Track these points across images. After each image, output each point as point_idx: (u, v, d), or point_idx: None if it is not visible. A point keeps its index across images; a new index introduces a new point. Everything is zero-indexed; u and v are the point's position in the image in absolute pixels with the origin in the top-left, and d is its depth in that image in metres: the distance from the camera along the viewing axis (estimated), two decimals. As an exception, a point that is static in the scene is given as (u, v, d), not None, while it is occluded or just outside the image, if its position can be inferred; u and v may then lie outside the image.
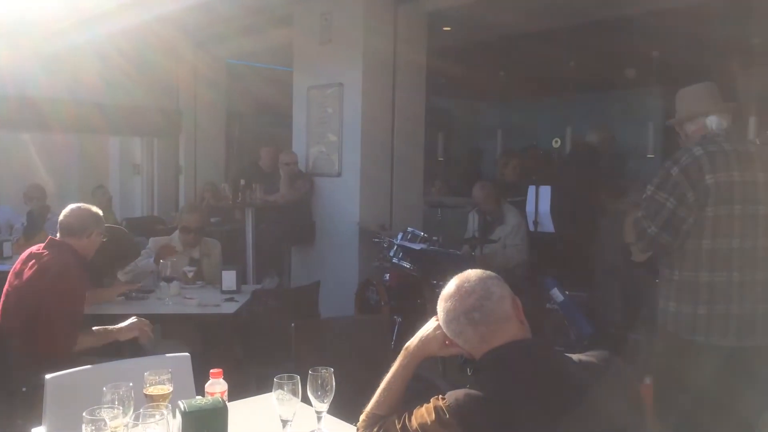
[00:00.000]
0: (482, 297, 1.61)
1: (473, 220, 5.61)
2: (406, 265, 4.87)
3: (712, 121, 2.76)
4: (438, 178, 8.73)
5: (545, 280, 3.88)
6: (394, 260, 4.96)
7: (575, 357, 1.61)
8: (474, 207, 5.69)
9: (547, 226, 4.84)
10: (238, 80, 8.55)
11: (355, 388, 1.83)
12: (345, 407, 1.93)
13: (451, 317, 1.63)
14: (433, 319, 1.74)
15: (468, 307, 1.61)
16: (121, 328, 3.01)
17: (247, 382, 3.40)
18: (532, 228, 5.02)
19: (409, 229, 4.99)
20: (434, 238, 4.84)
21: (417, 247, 4.45)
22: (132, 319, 3.04)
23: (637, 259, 4.32)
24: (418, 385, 2.65)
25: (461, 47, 7.02)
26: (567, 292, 4.95)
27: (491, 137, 8.92)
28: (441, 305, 1.67)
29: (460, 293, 1.63)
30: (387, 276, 5.14)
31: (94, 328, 3.01)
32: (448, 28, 6.48)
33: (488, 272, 1.69)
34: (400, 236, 4.99)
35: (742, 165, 2.61)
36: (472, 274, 1.68)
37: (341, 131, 5.74)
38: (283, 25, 6.40)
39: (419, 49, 5.95)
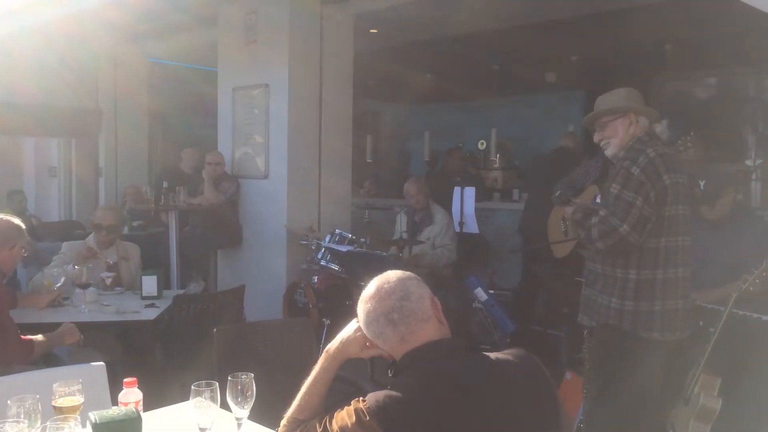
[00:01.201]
0: (402, 298, 1.62)
1: (401, 221, 5.65)
2: (334, 267, 4.86)
3: (646, 123, 2.87)
4: (367, 179, 8.75)
5: (469, 280, 3.95)
6: (322, 262, 4.94)
7: (492, 355, 1.63)
8: (403, 207, 5.73)
9: (472, 226, 4.92)
10: (162, 80, 8.31)
11: (281, 393, 1.80)
12: (270, 412, 1.90)
13: (371, 318, 1.63)
14: (354, 320, 1.73)
15: (387, 308, 1.61)
16: (62, 334, 2.94)
17: (169, 390, 3.31)
18: (457, 229, 5.09)
19: (337, 231, 4.98)
20: (362, 239, 4.84)
21: (343, 248, 4.44)
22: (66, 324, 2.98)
23: (558, 255, 4.45)
24: (345, 387, 2.65)
25: (388, 49, 7.07)
26: (492, 291, 5.06)
27: (419, 139, 9.01)
28: (361, 307, 1.67)
29: (380, 294, 1.64)
30: (315, 278, 5.11)
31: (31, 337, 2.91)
32: (375, 30, 6.50)
33: (408, 273, 1.70)
34: (328, 238, 4.97)
35: (679, 167, 2.76)
36: (391, 275, 1.68)
37: (268, 133, 5.67)
38: (208, 24, 6.27)
39: (346, 50, 5.94)
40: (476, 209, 6.74)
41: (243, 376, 1.80)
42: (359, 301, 1.69)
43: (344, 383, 2.82)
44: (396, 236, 5.52)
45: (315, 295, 4.91)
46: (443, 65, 7.88)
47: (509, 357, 1.65)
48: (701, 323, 3.10)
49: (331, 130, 5.81)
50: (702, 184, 3.55)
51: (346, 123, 6.03)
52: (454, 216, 5.15)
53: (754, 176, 5.41)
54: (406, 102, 10.86)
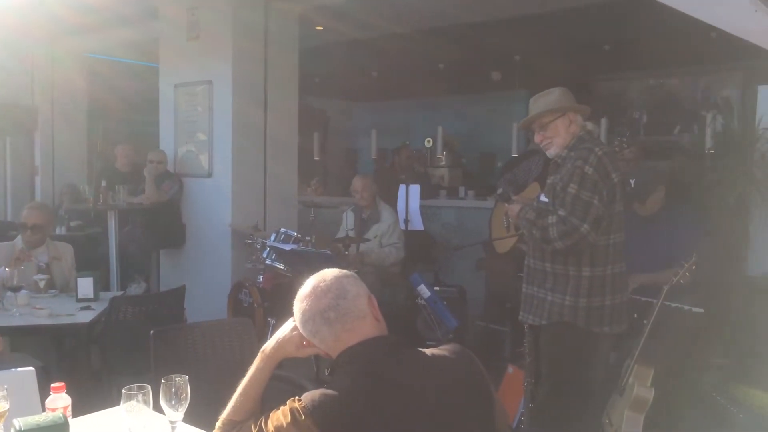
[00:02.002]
0: (337, 296, 1.61)
1: (347, 219, 5.64)
2: (280, 266, 4.81)
3: (581, 121, 2.94)
4: (315, 177, 8.72)
5: (412, 277, 3.97)
6: (268, 261, 4.89)
7: (428, 351, 1.64)
8: (351, 206, 5.73)
9: (417, 223, 4.95)
10: (101, 76, 8.08)
11: (220, 395, 1.78)
12: (209, 414, 1.86)
13: (307, 317, 1.63)
14: (291, 320, 1.72)
15: (323, 307, 1.60)
16: None
17: (106, 395, 3.23)
18: (402, 226, 5.12)
19: (282, 229, 4.93)
20: (307, 238, 4.82)
21: (288, 247, 4.41)
22: None
23: (500, 250, 4.53)
24: (286, 387, 2.63)
25: (334, 46, 7.05)
26: (437, 288, 5.10)
27: (367, 136, 9.02)
28: (297, 306, 1.66)
29: (316, 293, 1.63)
30: (260, 277, 5.05)
31: None
32: (321, 28, 6.47)
33: (344, 271, 1.70)
34: (273, 237, 4.92)
35: (618, 165, 2.84)
36: (327, 273, 1.68)
37: (211, 130, 5.58)
38: (148, 19, 6.12)
39: (291, 47, 5.89)
40: (422, 207, 6.80)
41: (177, 379, 1.77)
42: (295, 300, 1.68)
43: (286, 383, 2.81)
44: (342, 234, 5.51)
45: (260, 295, 4.86)
46: (390, 63, 7.90)
47: (445, 353, 1.66)
48: (635, 316, 3.19)
49: (276, 127, 5.76)
50: (632, 182, 3.66)
51: (292, 120, 5.98)
52: (399, 213, 5.17)
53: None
54: (353, 99, 10.86)
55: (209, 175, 5.62)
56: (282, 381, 2.90)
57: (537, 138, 3.02)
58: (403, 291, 5.20)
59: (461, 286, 5.42)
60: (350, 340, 1.60)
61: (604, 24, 6.11)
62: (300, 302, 1.65)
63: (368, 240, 5.23)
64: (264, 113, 5.67)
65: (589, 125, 3.05)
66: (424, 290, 3.80)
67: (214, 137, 5.56)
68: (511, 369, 4.03)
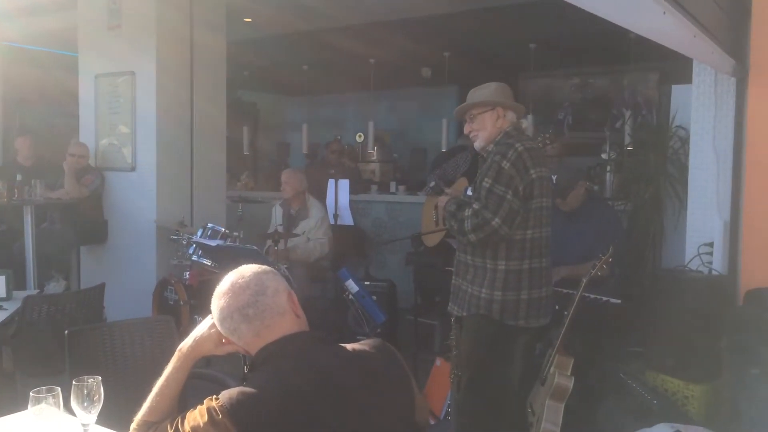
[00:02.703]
0: (256, 292, 1.59)
1: (276, 214, 5.59)
2: (207, 262, 4.72)
3: (513, 118, 2.98)
4: (244, 172, 8.59)
5: (340, 272, 3.97)
6: (194, 258, 4.79)
7: (349, 346, 1.64)
8: (280, 200, 5.67)
9: (347, 218, 4.95)
10: (18, 65, 7.70)
11: (140, 395, 1.72)
12: (127, 415, 1.80)
13: (225, 314, 1.60)
14: (209, 317, 1.69)
15: (242, 304, 1.58)
16: None
17: (19, 398, 3.08)
18: (332, 221, 5.10)
19: (209, 225, 4.84)
20: (235, 233, 4.74)
21: (213, 243, 4.33)
22: None
23: (429, 244, 4.58)
24: (211, 385, 2.58)
25: (264, 39, 6.95)
26: (368, 283, 5.12)
27: (298, 131, 8.95)
28: (215, 303, 1.63)
29: (234, 290, 1.60)
30: (187, 274, 4.95)
31: None
32: (249, 20, 6.37)
33: (264, 267, 1.68)
34: (200, 232, 4.82)
35: (542, 161, 2.88)
36: (246, 269, 1.65)
37: (134, 123, 5.41)
38: (67, 6, 5.87)
39: (218, 39, 5.77)
40: (353, 202, 6.80)
41: (90, 380, 1.70)
42: (213, 297, 1.64)
43: (211, 381, 2.76)
44: (271, 229, 5.45)
45: (186, 292, 4.76)
46: (321, 57, 7.85)
47: (366, 347, 1.66)
48: (557, 307, 3.29)
49: (203, 120, 5.63)
50: (554, 178, 3.75)
51: (220, 114, 5.87)
52: (328, 208, 5.15)
53: (608, 168, 5.80)
54: (285, 93, 10.74)
55: (132, 168, 5.45)
56: (206, 379, 2.85)
57: (466, 129, 3.07)
58: (334, 286, 5.20)
59: (391, 280, 5.46)
60: (270, 336, 1.58)
61: (529, 23, 6.24)
62: (218, 299, 1.62)
63: (297, 235, 5.19)
64: (190, 106, 5.54)
65: (524, 123, 3.11)
66: (352, 285, 3.80)
67: (138, 130, 5.40)
68: (438, 362, 4.09)
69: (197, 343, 1.69)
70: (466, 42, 6.94)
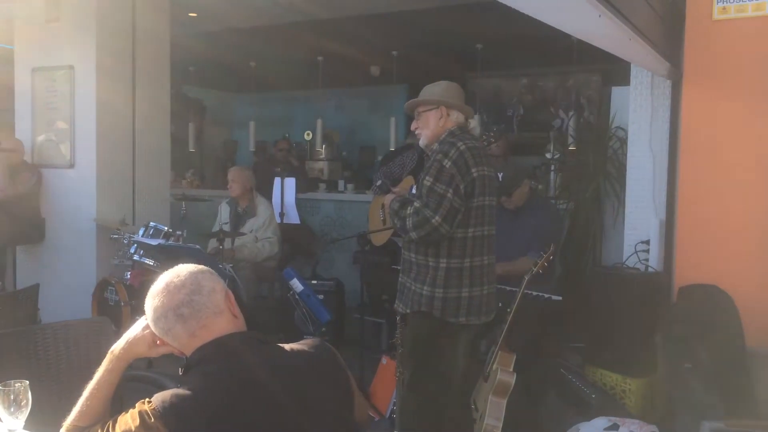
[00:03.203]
0: (192, 292, 1.56)
1: (222, 213, 5.50)
2: (149, 262, 4.62)
3: (460, 118, 2.99)
4: (190, 169, 8.44)
5: (285, 271, 3.94)
6: (136, 257, 4.68)
7: (287, 346, 1.63)
8: (226, 198, 5.59)
9: (293, 217, 4.92)
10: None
11: (73, 399, 1.67)
12: (59, 421, 1.75)
13: (159, 314, 1.56)
14: (142, 318, 1.65)
15: (177, 303, 1.55)
16: None
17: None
18: (278, 220, 5.06)
19: (152, 223, 4.73)
20: (178, 232, 4.65)
21: (154, 242, 4.24)
22: None
23: (377, 243, 4.59)
24: (151, 388, 2.52)
25: (209, 34, 6.83)
26: (314, 282, 5.10)
27: (245, 128, 8.84)
28: (148, 303, 1.59)
29: (169, 289, 1.57)
30: (128, 274, 4.83)
31: None
32: (194, 15, 6.25)
33: (200, 266, 1.65)
34: (141, 231, 4.72)
35: (486, 160, 2.90)
36: (182, 269, 1.62)
37: (73, 118, 5.24)
38: (1, -3, 5.65)
39: (162, 33, 5.64)
40: (302, 200, 6.76)
41: (17, 384, 1.65)
42: (147, 296, 1.61)
43: (151, 384, 2.69)
44: (216, 228, 5.36)
45: (128, 292, 4.65)
46: (268, 54, 7.76)
47: (304, 347, 1.65)
48: (500, 304, 3.33)
49: (146, 116, 5.50)
50: (500, 176, 3.80)
51: (164, 109, 5.74)
52: (274, 206, 5.11)
53: (552, 167, 5.92)
54: (233, 90, 10.58)
55: (71, 165, 5.28)
56: (145, 382, 2.78)
57: (412, 126, 3.10)
58: (281, 286, 5.15)
59: (339, 279, 5.45)
60: (205, 337, 1.55)
61: (475, 23, 6.29)
62: (152, 299, 1.59)
63: (243, 234, 5.13)
64: (132, 101, 5.40)
65: (472, 123, 3.12)
66: (296, 284, 3.77)
67: (77, 126, 5.23)
68: (385, 360, 4.09)
69: (130, 344, 1.65)
70: (414, 41, 6.97)
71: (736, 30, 3.38)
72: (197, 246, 4.01)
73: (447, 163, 2.77)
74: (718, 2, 3.38)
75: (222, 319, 1.58)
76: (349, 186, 7.38)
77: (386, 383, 3.93)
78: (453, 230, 2.78)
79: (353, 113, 10.16)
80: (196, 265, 1.65)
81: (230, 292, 1.65)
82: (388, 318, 4.85)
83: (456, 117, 2.98)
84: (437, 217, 2.73)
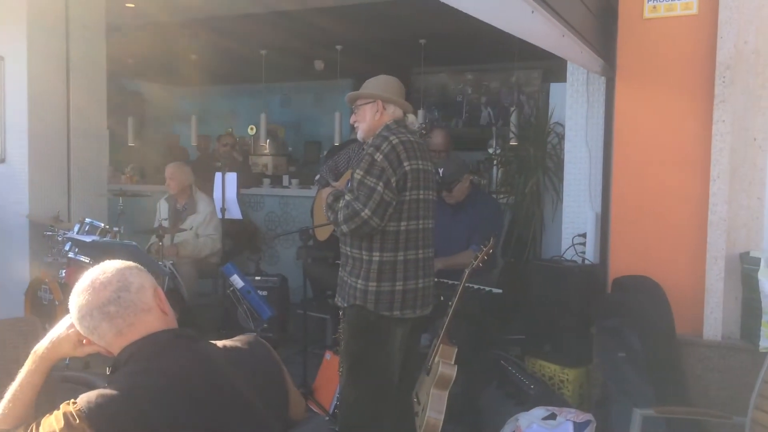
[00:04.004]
0: (119, 289, 1.52)
1: (161, 209, 5.39)
2: (85, 259, 4.48)
3: (398, 113, 2.99)
4: (129, 165, 8.22)
5: (225, 267, 3.88)
6: (71, 255, 4.53)
7: (220, 343, 1.60)
8: (165, 194, 5.47)
9: (235, 212, 4.85)
10: None
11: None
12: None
13: (84, 312, 1.51)
14: (67, 316, 1.59)
15: (103, 301, 1.50)
16: None
17: None
18: (219, 215, 4.98)
19: (87, 220, 4.59)
20: (115, 229, 4.53)
21: (87, 239, 4.11)
22: None
23: (320, 238, 4.56)
24: (83, 389, 2.44)
25: (148, 26, 6.65)
26: (258, 278, 5.04)
27: (187, 123, 8.66)
28: (73, 301, 1.54)
29: (94, 286, 1.52)
30: (63, 272, 4.68)
31: None
32: (132, 5, 6.07)
33: (127, 262, 1.60)
34: (76, 228, 4.57)
35: (421, 154, 2.89)
36: (108, 265, 1.58)
37: (3, 111, 5.04)
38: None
39: (97, 23, 5.47)
40: (246, 195, 6.68)
41: (-68, 389, 1.57)
42: (71, 294, 1.55)
43: (83, 385, 2.62)
44: (156, 224, 5.25)
45: (62, 291, 4.50)
46: (209, 47, 7.60)
47: (238, 344, 1.63)
48: (442, 298, 3.36)
49: (81, 109, 5.31)
50: (441, 171, 3.84)
51: (100, 103, 5.57)
52: (216, 202, 5.02)
53: (495, 162, 6.00)
54: (174, 84, 10.34)
55: (2, 160, 5.08)
56: (77, 383, 2.70)
57: (351, 119, 3.09)
58: (224, 282, 5.08)
59: (283, 275, 5.40)
60: (133, 335, 1.51)
61: (416, 18, 6.30)
62: (76, 297, 1.54)
63: (183, 230, 5.03)
64: (66, 93, 5.22)
65: (410, 118, 3.12)
66: (237, 280, 3.72)
67: (7, 118, 5.04)
68: (329, 355, 4.08)
69: (53, 344, 1.59)
70: (358, 35, 6.94)
71: (665, 28, 3.48)
72: (134, 243, 3.91)
73: (378, 157, 2.77)
74: (648, 1, 3.48)
75: (151, 317, 1.54)
76: (294, 181, 7.32)
77: (330, 379, 3.92)
78: (384, 223, 2.78)
79: (298, 108, 10.09)
80: (123, 261, 1.60)
81: (160, 289, 1.61)
82: (332, 313, 4.83)
83: (393, 111, 2.97)
84: (367, 210, 2.73)
